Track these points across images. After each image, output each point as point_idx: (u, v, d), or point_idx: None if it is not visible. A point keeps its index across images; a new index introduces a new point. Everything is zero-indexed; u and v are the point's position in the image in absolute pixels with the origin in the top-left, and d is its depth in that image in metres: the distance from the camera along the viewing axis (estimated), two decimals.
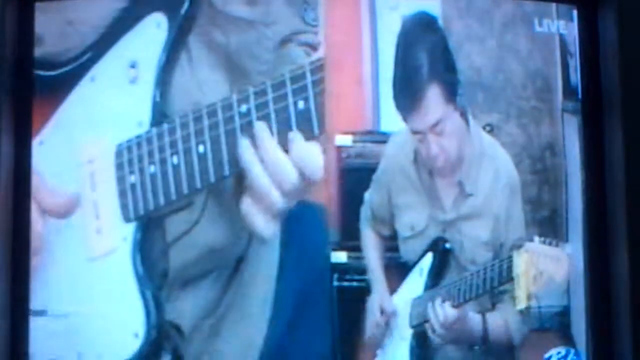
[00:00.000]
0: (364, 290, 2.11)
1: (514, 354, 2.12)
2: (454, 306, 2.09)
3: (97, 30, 2.06)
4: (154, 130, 2.03)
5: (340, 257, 2.10)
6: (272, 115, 1.99)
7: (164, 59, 2.04)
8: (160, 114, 2.04)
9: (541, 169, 2.16)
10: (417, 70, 2.10)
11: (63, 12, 2.09)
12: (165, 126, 2.03)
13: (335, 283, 2.09)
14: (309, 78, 1.98)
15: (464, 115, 2.13)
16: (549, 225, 2.15)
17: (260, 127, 2.00)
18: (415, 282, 2.14)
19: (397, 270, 2.14)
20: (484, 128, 2.14)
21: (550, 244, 2.09)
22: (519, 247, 2.09)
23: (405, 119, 2.12)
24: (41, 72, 2.09)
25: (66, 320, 2.03)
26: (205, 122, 2.01)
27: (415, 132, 2.12)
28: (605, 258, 2.14)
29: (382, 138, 2.14)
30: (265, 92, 1.99)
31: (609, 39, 2.15)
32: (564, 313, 2.14)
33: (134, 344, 2.00)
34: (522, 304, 2.09)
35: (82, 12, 2.08)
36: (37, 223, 2.05)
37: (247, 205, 2.02)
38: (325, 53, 2.09)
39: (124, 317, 2.01)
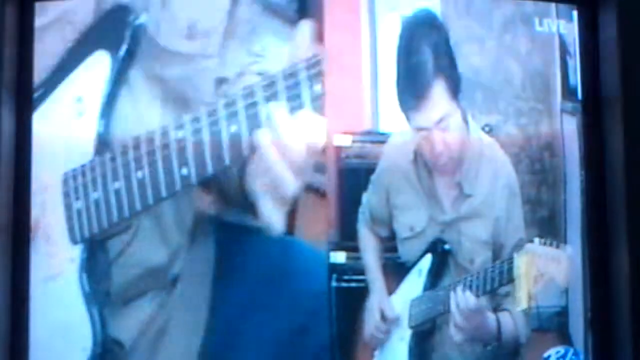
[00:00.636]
0: (363, 291, 2.11)
1: (517, 354, 2.12)
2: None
3: (48, 68, 2.17)
4: (97, 159, 2.14)
5: (339, 257, 2.10)
6: (206, 140, 2.08)
7: (107, 93, 2.15)
8: (103, 144, 2.15)
9: (540, 169, 2.16)
10: (422, 66, 2.10)
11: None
12: (107, 155, 2.14)
13: (334, 283, 2.09)
14: (239, 104, 2.07)
15: (463, 116, 2.13)
16: (547, 225, 2.15)
17: (272, 109, 2.07)
18: (414, 283, 2.14)
19: (396, 270, 2.15)
20: (482, 128, 2.14)
21: (550, 245, 2.09)
22: (520, 248, 2.09)
23: (409, 117, 2.12)
24: None
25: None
26: (144, 150, 2.12)
27: (419, 129, 2.12)
28: (605, 258, 2.14)
29: (381, 138, 2.14)
30: (198, 119, 2.09)
31: (609, 39, 2.14)
32: (562, 313, 2.14)
33: (82, 358, 2.11)
34: (522, 305, 2.09)
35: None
36: None
37: (258, 191, 2.08)
38: (325, 54, 2.10)
39: (74, 333, 2.11)
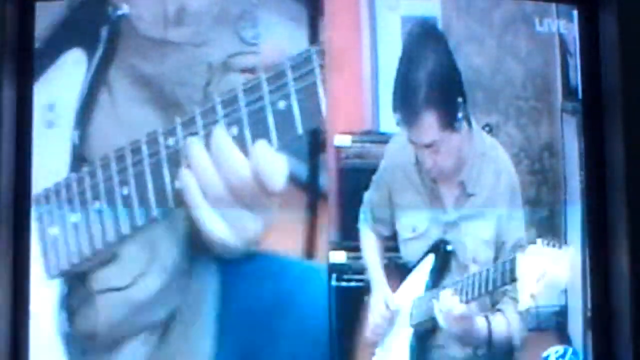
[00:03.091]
0: (363, 290, 2.12)
1: (514, 355, 2.12)
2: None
3: None
4: (73, 175, 1.89)
5: (339, 257, 2.11)
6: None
7: (83, 99, 1.90)
8: (79, 158, 1.90)
9: (540, 170, 2.16)
10: (416, 91, 2.10)
11: None
12: (85, 170, 1.88)
13: (334, 283, 2.10)
14: (242, 100, 1.84)
15: (467, 117, 2.13)
16: (547, 226, 2.15)
17: (218, 133, 1.86)
18: (417, 283, 2.14)
19: (398, 270, 2.15)
20: (483, 128, 2.14)
21: (554, 246, 2.09)
22: (522, 248, 2.09)
23: (402, 130, 2.13)
24: None
25: None
26: (129, 161, 1.87)
27: (412, 142, 2.13)
28: (605, 258, 2.14)
29: (381, 138, 2.15)
30: (194, 120, 1.87)
31: (609, 39, 2.15)
32: (562, 313, 2.14)
33: None
34: (524, 306, 2.09)
35: None
36: None
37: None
38: (325, 53, 2.10)
39: None
